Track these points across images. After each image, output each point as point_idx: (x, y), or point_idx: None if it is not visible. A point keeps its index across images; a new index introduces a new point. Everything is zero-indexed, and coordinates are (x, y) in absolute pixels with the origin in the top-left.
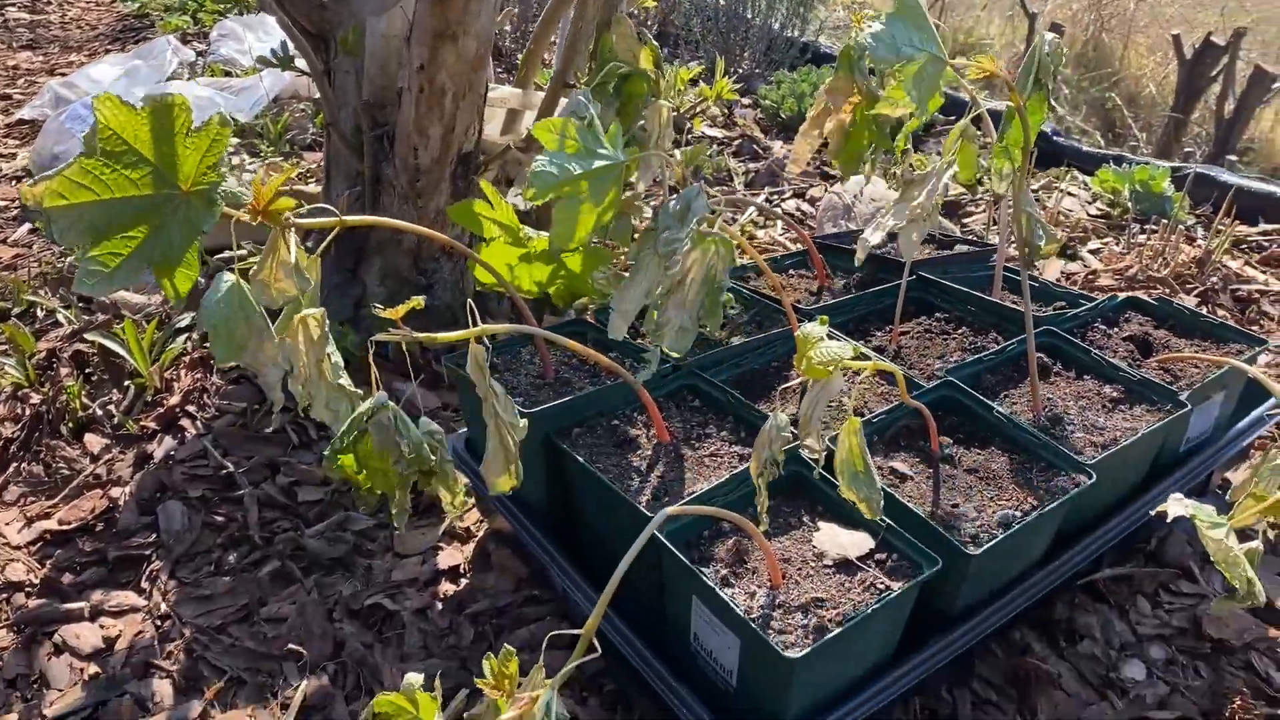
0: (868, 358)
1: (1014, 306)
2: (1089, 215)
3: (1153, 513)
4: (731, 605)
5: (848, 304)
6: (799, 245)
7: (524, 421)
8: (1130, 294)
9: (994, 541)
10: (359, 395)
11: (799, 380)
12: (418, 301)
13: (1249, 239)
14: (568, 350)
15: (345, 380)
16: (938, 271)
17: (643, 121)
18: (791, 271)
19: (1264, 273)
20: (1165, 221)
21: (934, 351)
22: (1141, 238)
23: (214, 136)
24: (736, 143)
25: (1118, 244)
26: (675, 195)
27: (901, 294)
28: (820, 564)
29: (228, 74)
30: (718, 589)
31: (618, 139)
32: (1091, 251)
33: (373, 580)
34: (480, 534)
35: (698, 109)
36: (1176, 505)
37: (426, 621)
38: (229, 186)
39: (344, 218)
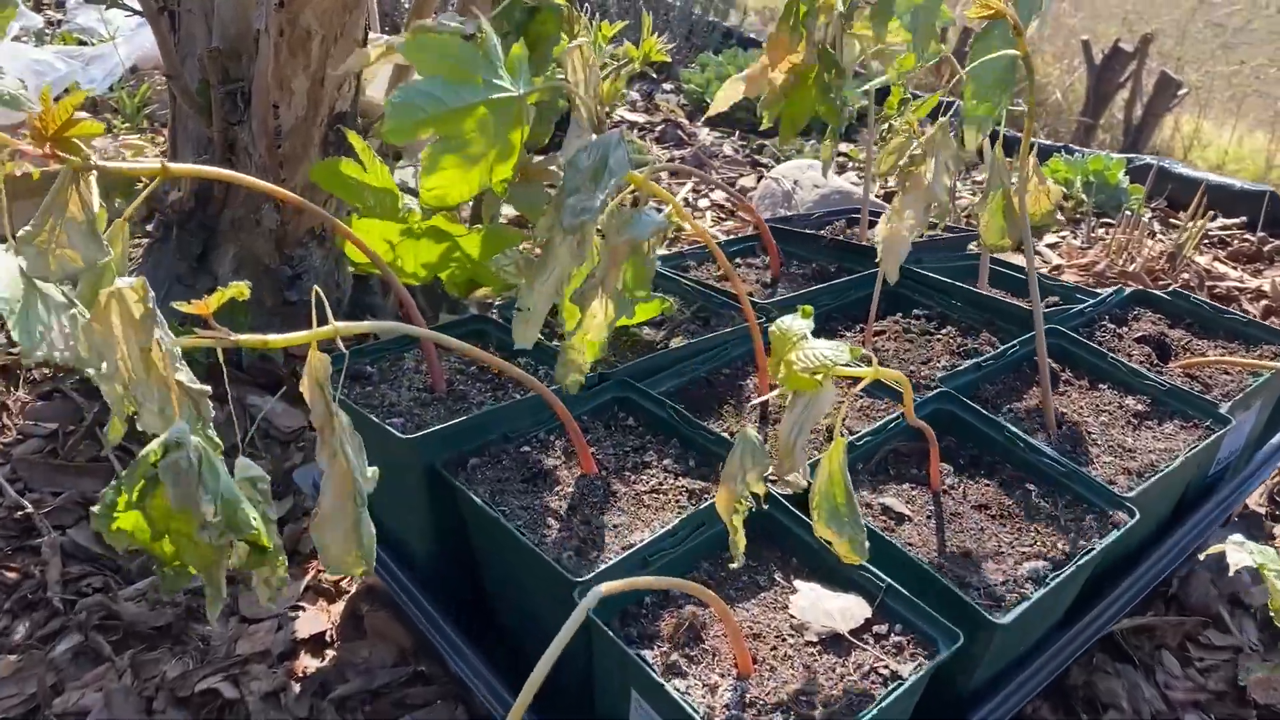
0: (869, 361)
1: (1008, 302)
2: None
3: (1201, 556)
4: (684, 706)
5: (809, 298)
6: (736, 234)
7: (373, 472)
8: (1137, 288)
9: (1026, 605)
10: (206, 393)
11: (775, 393)
12: (240, 289)
13: (1209, 234)
14: (463, 356)
15: (185, 374)
16: (910, 260)
17: (557, 69)
18: (738, 260)
19: (1235, 268)
20: (1126, 215)
21: (916, 355)
22: (1099, 231)
23: None
24: (659, 128)
25: (1075, 237)
26: (586, 146)
27: (878, 287)
28: (801, 640)
29: (82, 43)
30: (665, 683)
31: (521, 67)
32: (1049, 246)
33: (210, 656)
34: (352, 589)
35: (621, 70)
36: (1237, 552)
37: (279, 711)
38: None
39: (169, 165)
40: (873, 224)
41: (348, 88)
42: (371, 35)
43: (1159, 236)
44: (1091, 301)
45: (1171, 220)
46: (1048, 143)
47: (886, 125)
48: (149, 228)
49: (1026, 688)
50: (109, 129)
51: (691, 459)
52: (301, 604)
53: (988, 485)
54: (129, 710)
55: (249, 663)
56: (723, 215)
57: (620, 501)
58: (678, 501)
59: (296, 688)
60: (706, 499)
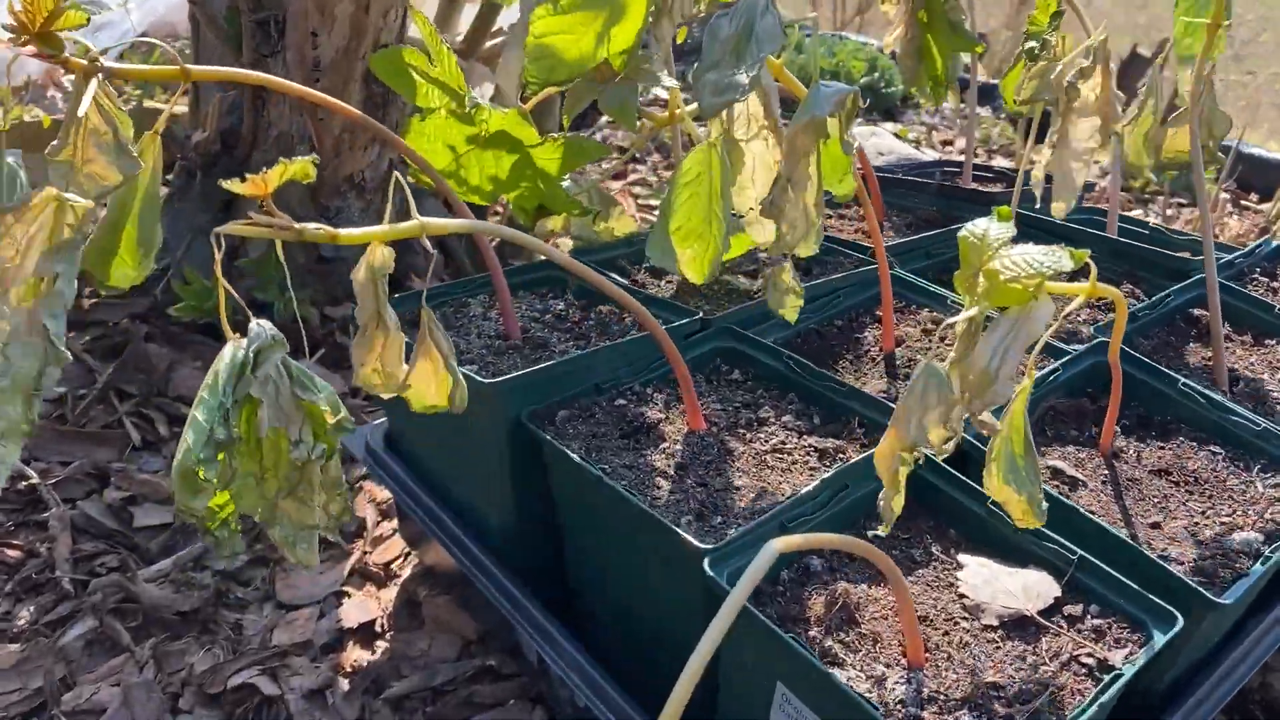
0: (1087, 272)
1: (1152, 249)
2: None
3: None
4: (857, 700)
5: (921, 244)
6: None
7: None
8: None
9: (1248, 581)
10: (60, 345)
11: (963, 315)
12: (305, 167)
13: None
14: (539, 298)
15: (55, 323)
16: (1021, 207)
17: None
18: (827, 210)
19: None
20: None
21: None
22: (1170, 211)
23: None
24: None
25: (1147, 215)
26: (726, 9)
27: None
28: (978, 624)
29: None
30: (830, 671)
31: None
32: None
33: (243, 647)
34: (405, 573)
35: None
36: None
37: (325, 712)
38: None
39: (189, 67)
40: (978, 179)
41: (394, 15)
42: None
43: (1235, 218)
44: (1240, 252)
45: (1242, 202)
46: None
47: (1030, 44)
48: (169, 177)
49: (1223, 686)
50: (120, 94)
51: (816, 415)
52: (346, 589)
53: (1163, 448)
54: (150, 708)
55: (288, 655)
56: None
57: (739, 461)
58: (807, 462)
59: (345, 684)
60: (841, 460)
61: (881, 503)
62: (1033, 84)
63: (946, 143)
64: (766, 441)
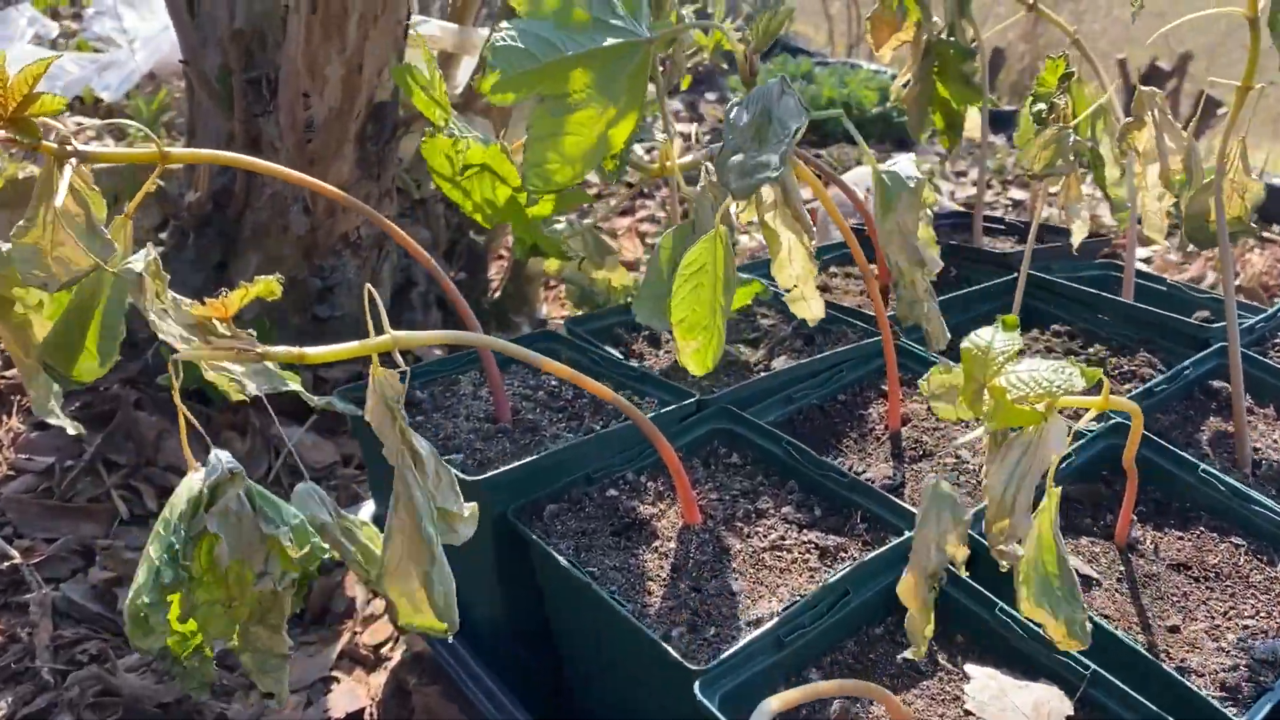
0: (1098, 388)
1: (1170, 315)
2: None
3: None
4: None
5: None
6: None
7: (471, 509)
8: None
9: (1273, 699)
10: None
11: (975, 434)
12: (270, 286)
13: None
14: (533, 374)
15: None
16: (1038, 269)
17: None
18: (834, 270)
19: None
20: None
21: None
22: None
23: None
24: (706, 138)
25: (1168, 250)
26: (741, 99)
27: (1019, 297)
28: None
29: (98, 51)
30: None
31: (640, 5)
32: (1143, 260)
33: None
34: (395, 657)
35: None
36: None
37: None
38: None
39: (166, 149)
40: (988, 231)
41: (388, 75)
42: (415, 17)
43: (1256, 251)
44: (1261, 316)
45: (1264, 234)
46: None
47: (1039, 106)
48: (162, 236)
49: None
50: (124, 135)
51: (817, 506)
52: (335, 673)
53: (1183, 539)
54: None
55: None
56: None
57: (735, 560)
58: (806, 561)
59: None
60: (843, 558)
61: (909, 628)
62: (1046, 154)
63: (961, 173)
64: (765, 537)
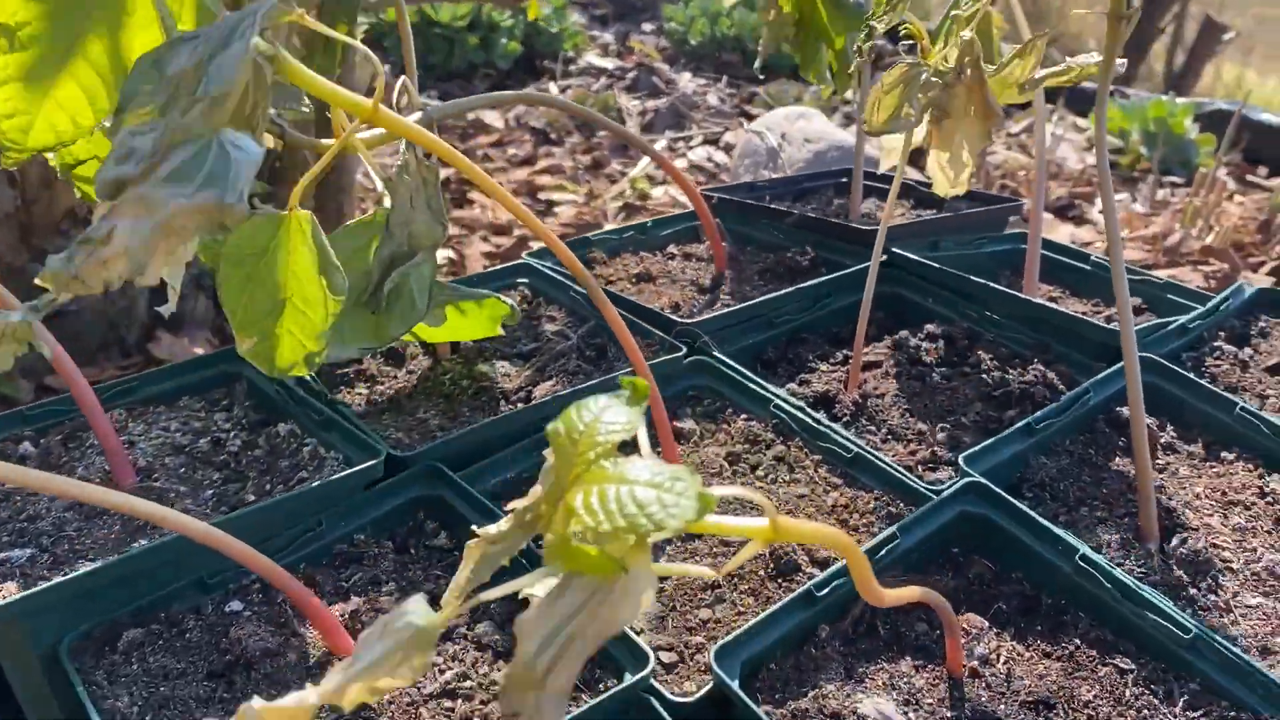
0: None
1: (1075, 315)
2: (1091, 165)
3: None
4: None
5: (765, 309)
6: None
7: None
8: (1261, 288)
9: None
10: None
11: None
12: None
13: None
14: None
15: None
16: (923, 248)
17: None
18: (674, 247)
19: None
20: (1202, 172)
21: (931, 407)
22: (1162, 193)
23: None
24: (631, 75)
25: (1134, 201)
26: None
27: (869, 288)
28: None
29: None
30: None
31: None
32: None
33: None
34: None
35: None
36: None
37: None
38: None
39: None
40: (869, 194)
41: None
42: None
43: (1237, 198)
44: (1198, 311)
45: (1248, 178)
46: (1089, 86)
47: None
48: None
49: None
50: None
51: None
52: None
53: (1049, 657)
54: None
55: None
56: (703, 179)
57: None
58: (486, 714)
59: None
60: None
61: None
62: (890, 100)
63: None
64: (441, 675)
